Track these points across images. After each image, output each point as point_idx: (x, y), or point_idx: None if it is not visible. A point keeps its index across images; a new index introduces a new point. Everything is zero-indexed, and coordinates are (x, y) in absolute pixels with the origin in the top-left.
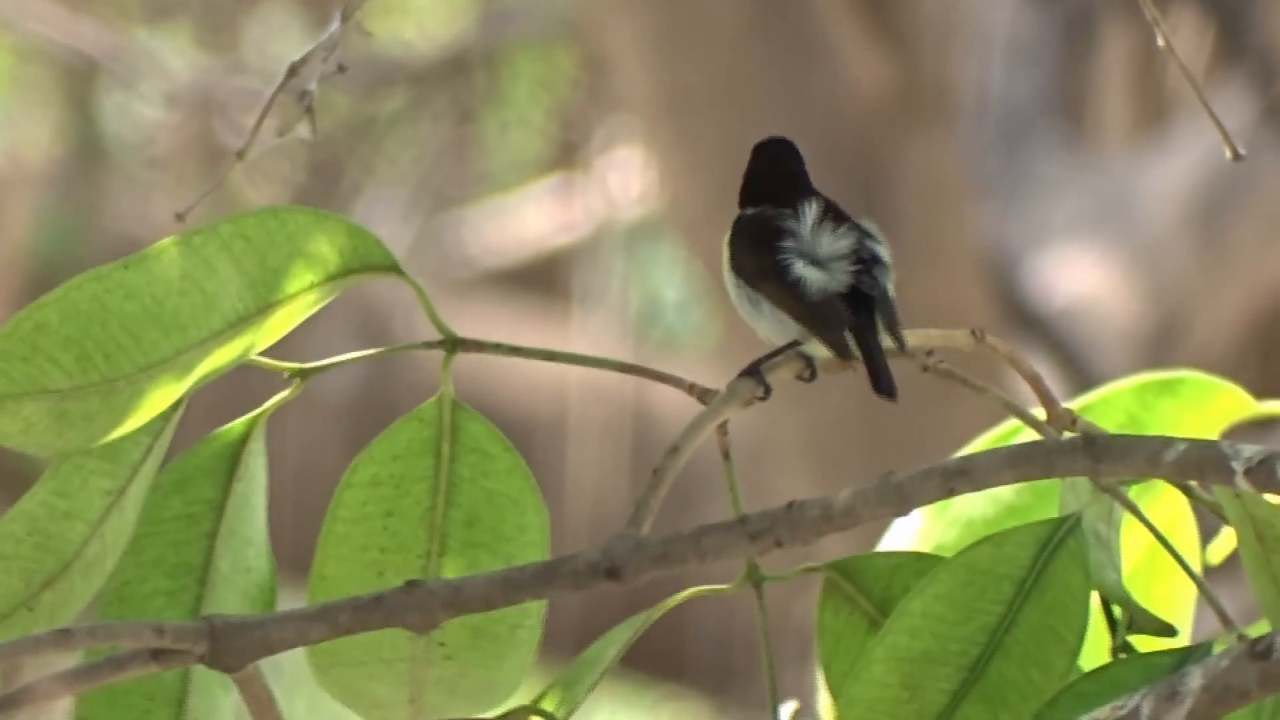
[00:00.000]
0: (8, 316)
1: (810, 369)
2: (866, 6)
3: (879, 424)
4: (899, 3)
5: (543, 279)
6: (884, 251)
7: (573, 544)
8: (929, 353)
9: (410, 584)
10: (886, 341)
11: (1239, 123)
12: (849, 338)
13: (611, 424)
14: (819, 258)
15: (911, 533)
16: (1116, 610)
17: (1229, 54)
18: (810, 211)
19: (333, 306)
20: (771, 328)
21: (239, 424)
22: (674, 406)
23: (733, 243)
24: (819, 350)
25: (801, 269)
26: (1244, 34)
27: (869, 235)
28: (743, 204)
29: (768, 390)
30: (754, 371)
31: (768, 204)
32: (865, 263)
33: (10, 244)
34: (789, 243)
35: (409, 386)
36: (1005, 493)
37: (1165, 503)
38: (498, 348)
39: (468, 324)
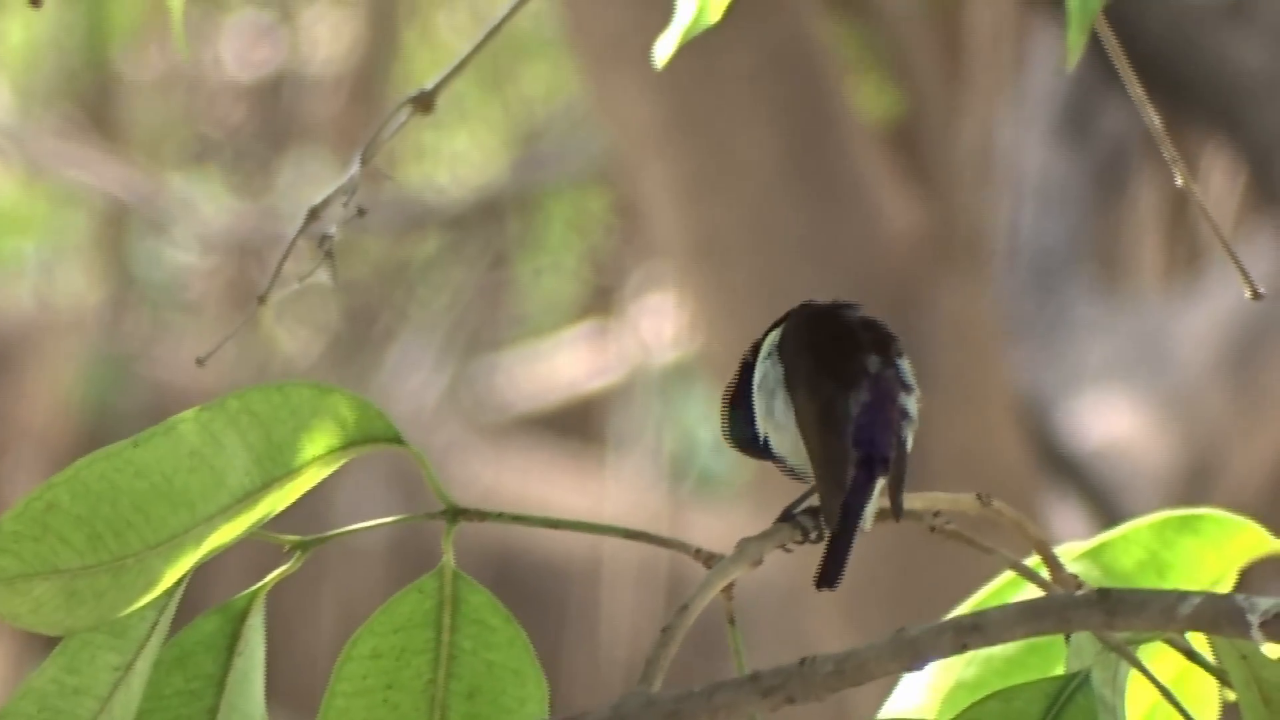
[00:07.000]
0: (54, 469)
1: (817, 529)
2: (899, 149)
3: (911, 568)
4: (931, 145)
5: (577, 423)
6: (913, 405)
7: (608, 686)
8: (936, 514)
9: None
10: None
11: (1271, 267)
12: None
13: (647, 564)
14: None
15: (932, 668)
16: None
17: (1261, 200)
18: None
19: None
20: (778, 437)
21: (240, 598)
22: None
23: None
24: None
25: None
26: (1276, 180)
27: (905, 384)
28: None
29: (805, 534)
30: (788, 517)
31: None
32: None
33: (54, 392)
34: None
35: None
36: None
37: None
38: (500, 516)
39: (502, 469)
